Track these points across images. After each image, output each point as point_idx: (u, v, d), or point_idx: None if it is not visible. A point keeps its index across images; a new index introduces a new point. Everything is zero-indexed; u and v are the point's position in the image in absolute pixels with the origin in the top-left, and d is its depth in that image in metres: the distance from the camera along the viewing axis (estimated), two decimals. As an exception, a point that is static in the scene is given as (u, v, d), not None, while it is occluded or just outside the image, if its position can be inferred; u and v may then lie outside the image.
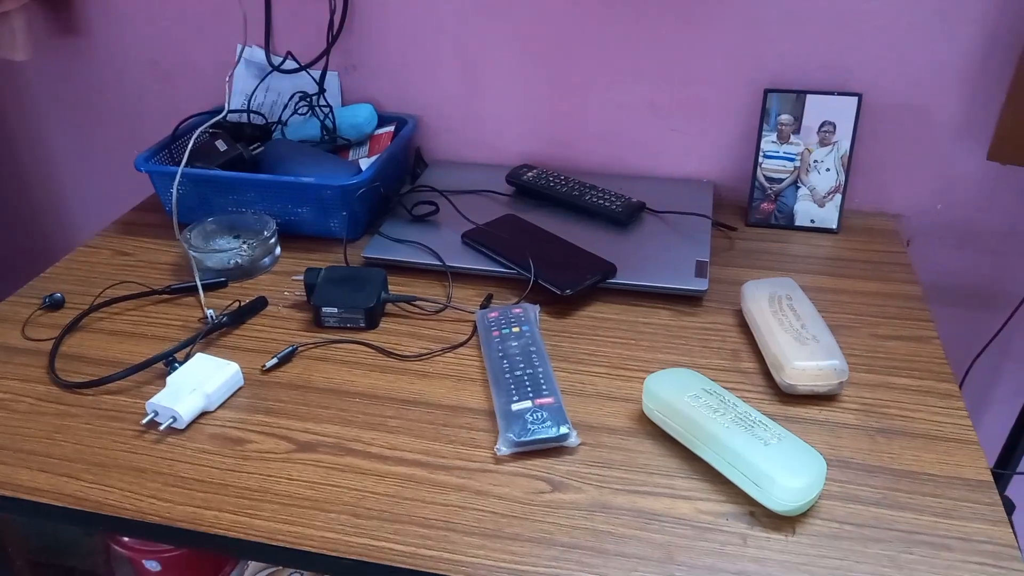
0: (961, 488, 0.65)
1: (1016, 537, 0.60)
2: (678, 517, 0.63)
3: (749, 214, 1.05)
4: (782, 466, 0.61)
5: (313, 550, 0.62)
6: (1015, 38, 0.92)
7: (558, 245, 0.96)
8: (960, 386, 0.97)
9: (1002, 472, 1.02)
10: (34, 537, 1.16)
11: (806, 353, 0.74)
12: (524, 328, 0.82)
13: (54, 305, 0.93)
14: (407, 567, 0.60)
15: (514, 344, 0.80)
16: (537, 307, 0.87)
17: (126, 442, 0.73)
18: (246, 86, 1.18)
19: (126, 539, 1.42)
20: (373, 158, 1.09)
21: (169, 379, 0.77)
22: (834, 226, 1.02)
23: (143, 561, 1.44)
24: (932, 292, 1.09)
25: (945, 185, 1.03)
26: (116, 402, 0.77)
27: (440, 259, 0.95)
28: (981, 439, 0.69)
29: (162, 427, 0.73)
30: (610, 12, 1.03)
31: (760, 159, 1.02)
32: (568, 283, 0.88)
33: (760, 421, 0.66)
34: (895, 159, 1.03)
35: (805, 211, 1.03)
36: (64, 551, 1.59)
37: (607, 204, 1.02)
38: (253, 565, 1.17)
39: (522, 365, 0.77)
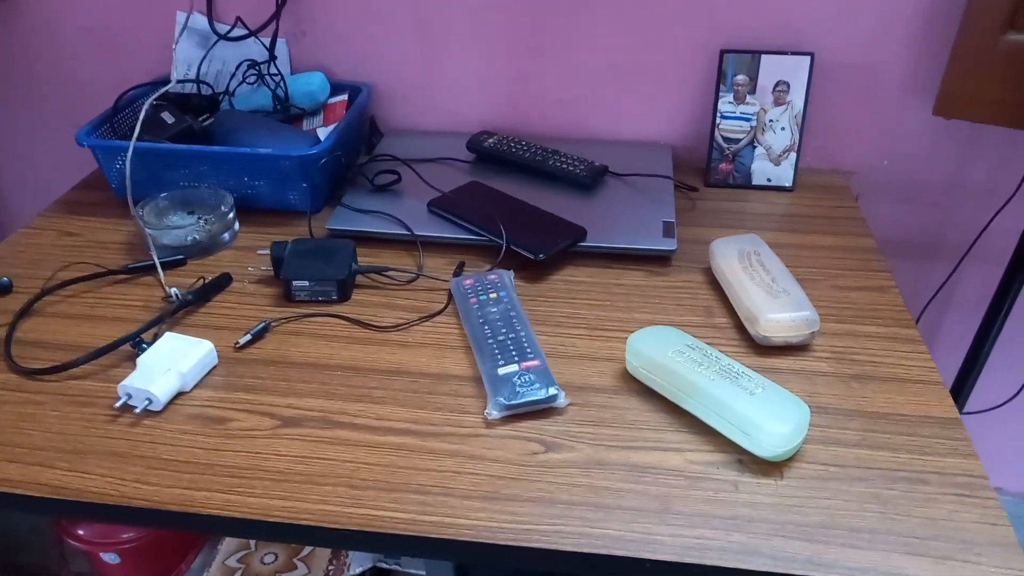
0: (932, 426, 0.68)
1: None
2: (670, 469, 0.65)
3: (708, 175, 1.07)
4: (769, 413, 0.64)
5: (313, 523, 0.61)
6: (957, -3, 0.96)
7: (526, 210, 0.96)
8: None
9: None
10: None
11: (778, 306, 0.77)
12: (501, 294, 0.82)
13: (2, 290, 0.88)
14: (410, 533, 0.60)
15: (493, 310, 0.80)
16: (511, 272, 0.87)
17: (100, 427, 0.70)
18: (189, 56, 1.13)
19: (81, 532, 1.38)
20: (330, 127, 1.06)
21: (139, 360, 0.74)
22: (789, 184, 1.05)
23: (100, 554, 1.39)
24: (880, 244, 1.13)
25: (892, 141, 1.07)
26: (83, 387, 0.74)
27: (408, 228, 0.94)
28: None
29: (137, 410, 0.71)
30: (567, -26, 1.03)
31: (718, 120, 1.04)
32: (541, 247, 0.88)
33: (743, 372, 0.68)
34: (845, 117, 1.07)
35: (762, 170, 1.05)
36: (15, 548, 1.53)
37: (570, 168, 1.03)
38: (223, 550, 1.15)
39: (504, 330, 0.77)
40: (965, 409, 1.08)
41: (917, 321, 1.11)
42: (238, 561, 1.11)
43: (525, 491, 0.63)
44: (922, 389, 0.72)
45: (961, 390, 1.06)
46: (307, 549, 1.10)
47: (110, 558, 1.38)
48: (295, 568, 1.07)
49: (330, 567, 1.07)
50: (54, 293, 0.87)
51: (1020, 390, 1.10)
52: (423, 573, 0.89)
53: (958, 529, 0.59)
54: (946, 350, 1.19)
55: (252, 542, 1.13)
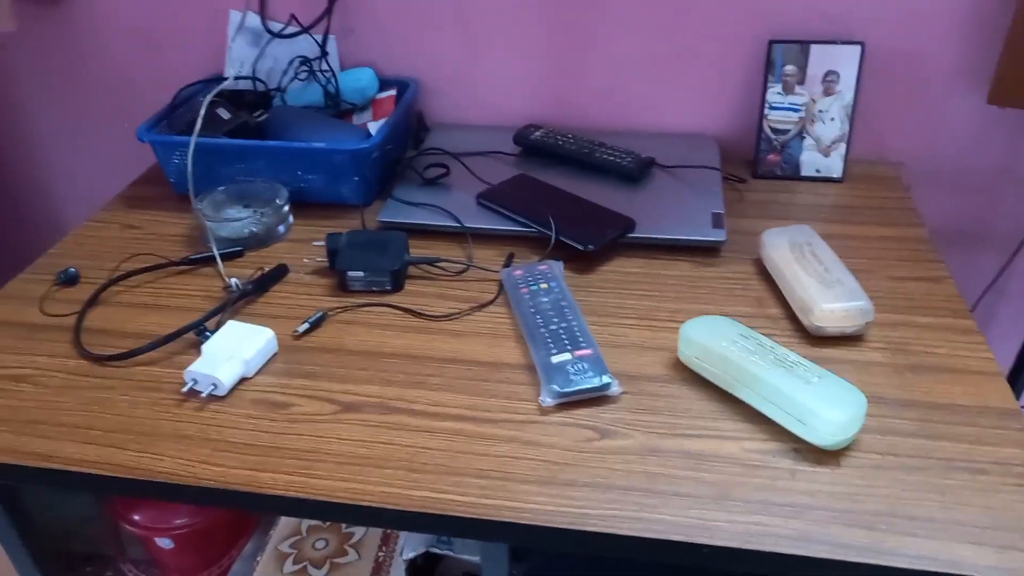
0: (991, 416, 0.68)
1: (1046, 458, 0.64)
2: (726, 456, 0.65)
3: (756, 166, 1.07)
4: (826, 401, 0.64)
5: (375, 504, 0.63)
6: (1012, -16, 0.95)
7: (574, 202, 0.96)
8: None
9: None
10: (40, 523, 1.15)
11: (833, 296, 0.77)
12: (552, 284, 0.83)
13: (69, 280, 0.91)
14: (471, 515, 0.61)
15: (544, 300, 0.81)
16: (561, 263, 0.88)
17: (168, 411, 0.72)
18: (241, 54, 1.16)
19: (136, 517, 1.42)
20: (380, 122, 1.08)
21: (204, 347, 0.76)
22: (839, 175, 1.05)
23: (155, 539, 1.44)
24: (932, 235, 1.12)
25: (944, 131, 1.06)
26: (150, 373, 0.77)
27: (458, 220, 0.95)
28: None
29: (203, 395, 0.73)
30: (614, -33, 1.03)
31: (766, 111, 1.04)
32: (590, 238, 0.89)
33: (799, 362, 0.68)
34: (895, 106, 1.06)
35: (811, 161, 1.05)
36: (69, 536, 1.58)
37: (617, 160, 1.03)
38: (276, 536, 1.18)
39: (556, 319, 0.78)
40: (1022, 401, 1.06)
41: (971, 312, 1.09)
42: (290, 547, 1.14)
43: (581, 476, 0.64)
44: (980, 379, 0.72)
45: (1016, 382, 1.04)
46: (358, 535, 1.12)
47: (164, 543, 1.42)
48: (346, 554, 1.09)
49: (380, 553, 1.09)
50: (119, 284, 0.90)
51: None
52: (477, 559, 0.90)
53: (1019, 518, 0.59)
54: (1000, 341, 1.17)
55: (304, 527, 1.16)
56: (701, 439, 0.67)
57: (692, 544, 0.59)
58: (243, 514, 1.42)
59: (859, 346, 0.77)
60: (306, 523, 1.16)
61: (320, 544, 1.13)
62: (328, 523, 1.16)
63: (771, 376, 0.66)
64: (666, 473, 0.64)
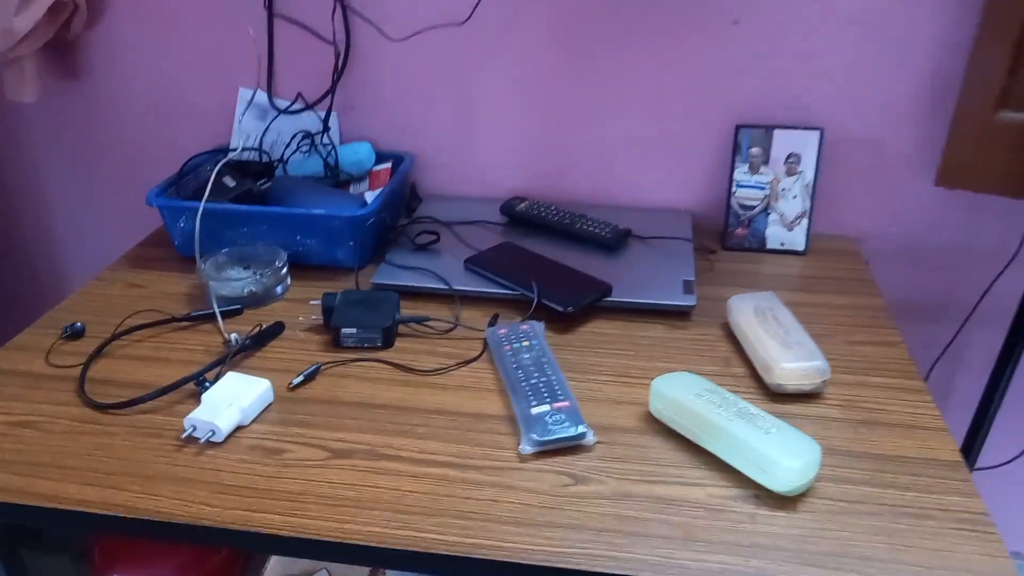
0: (937, 467, 0.73)
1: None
2: (693, 501, 0.70)
3: (725, 238, 1.14)
4: (783, 450, 0.69)
5: (362, 543, 0.67)
6: (956, 76, 1.05)
7: (556, 268, 1.03)
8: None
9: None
10: None
11: (792, 356, 0.83)
12: (533, 342, 0.89)
13: (75, 334, 0.96)
14: (454, 554, 0.65)
15: (526, 356, 0.87)
16: (542, 324, 0.94)
17: (167, 455, 0.77)
18: (248, 127, 1.24)
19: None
20: (376, 191, 1.16)
21: (204, 396, 0.81)
22: (802, 248, 1.12)
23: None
24: (889, 305, 1.19)
25: (899, 210, 1.15)
26: (151, 420, 0.81)
27: (446, 283, 1.02)
28: None
29: (201, 440, 0.78)
30: (593, 54, 1.13)
31: (734, 188, 1.12)
32: (569, 301, 0.95)
33: (759, 414, 0.74)
34: (854, 187, 1.15)
35: (775, 235, 1.13)
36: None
37: (596, 231, 1.11)
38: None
39: (536, 374, 0.84)
40: (976, 466, 1.11)
41: (926, 379, 1.16)
42: (274, 601, 1.15)
43: (557, 518, 0.69)
44: (928, 434, 0.77)
45: (971, 448, 1.10)
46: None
47: (145, 601, 1.41)
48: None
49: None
50: (123, 338, 0.95)
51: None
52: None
53: (962, 560, 0.64)
54: (956, 410, 1.23)
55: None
56: (669, 485, 0.72)
57: (659, 581, 0.63)
58: (227, 571, 1.43)
59: (816, 403, 0.82)
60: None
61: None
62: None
63: (733, 427, 0.72)
64: (637, 516, 0.69)
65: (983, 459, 1.11)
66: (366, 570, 1.19)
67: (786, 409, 0.81)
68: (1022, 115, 0.97)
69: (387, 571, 1.23)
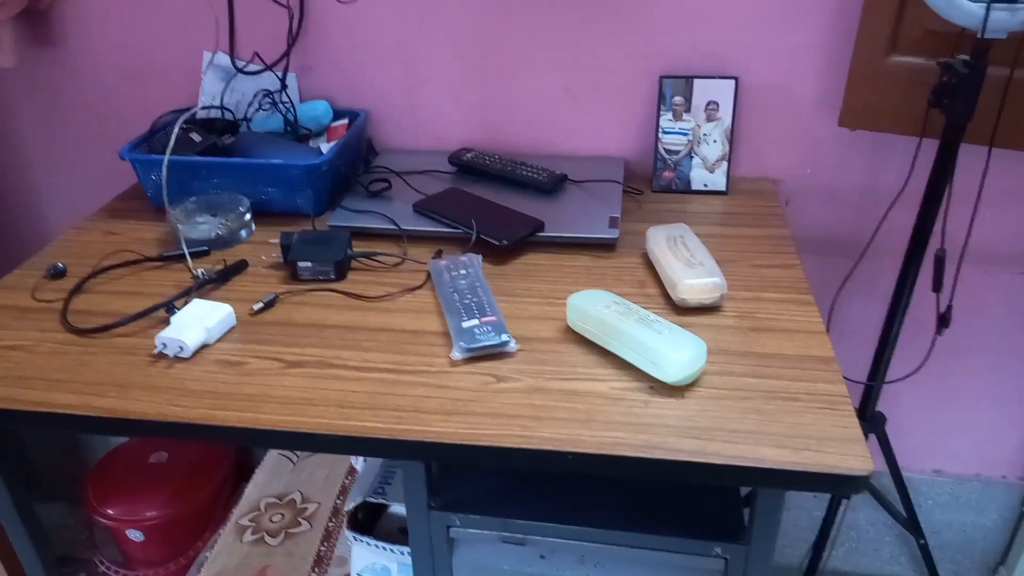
0: (811, 362, 0.85)
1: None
2: (596, 393, 0.81)
3: (653, 182, 1.25)
4: (672, 345, 0.80)
5: (309, 431, 0.77)
6: (854, 24, 1.14)
7: (495, 208, 1.13)
8: (828, 319, 1.18)
9: (871, 384, 1.23)
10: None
11: (694, 274, 0.94)
12: (470, 270, 1.00)
13: (57, 274, 1.06)
14: (387, 437, 0.76)
15: (463, 282, 0.97)
16: (479, 256, 1.04)
17: (141, 368, 0.87)
18: (212, 88, 1.33)
19: (110, 511, 1.54)
20: (332, 143, 1.25)
21: (173, 319, 0.91)
22: (723, 188, 1.23)
23: (126, 531, 1.55)
24: (806, 243, 1.31)
25: (809, 151, 1.25)
26: (127, 342, 0.92)
27: (395, 224, 1.12)
28: (851, 363, 0.88)
29: (171, 356, 0.88)
30: (531, 14, 1.22)
31: (660, 135, 1.23)
32: (505, 235, 1.06)
33: (656, 319, 0.85)
34: (769, 131, 1.25)
35: (699, 177, 1.23)
36: (49, 535, 1.69)
37: (535, 176, 1.21)
38: (236, 511, 1.30)
39: (469, 295, 0.94)
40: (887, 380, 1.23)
41: (831, 306, 1.27)
42: (249, 520, 1.26)
43: (480, 408, 0.80)
44: (808, 337, 0.89)
45: (879, 362, 1.21)
46: (311, 508, 1.25)
47: (135, 535, 1.53)
48: (299, 525, 1.22)
49: (330, 524, 1.22)
50: (100, 276, 1.05)
51: (925, 359, 1.24)
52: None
53: (818, 430, 0.75)
54: (860, 331, 1.35)
55: (262, 504, 1.28)
56: (577, 381, 0.83)
57: (559, 452, 0.74)
58: (211, 506, 1.54)
59: (716, 315, 0.93)
60: (264, 499, 1.29)
61: (276, 517, 1.26)
62: (284, 499, 1.29)
63: (631, 329, 0.83)
64: (547, 405, 0.80)
65: (892, 374, 1.23)
66: (336, 485, 1.29)
67: (688, 320, 0.92)
68: (911, 59, 1.08)
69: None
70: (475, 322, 0.89)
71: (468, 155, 1.27)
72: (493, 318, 0.90)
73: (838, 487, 0.72)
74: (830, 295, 1.28)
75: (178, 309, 0.94)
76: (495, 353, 0.87)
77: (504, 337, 0.87)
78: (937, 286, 1.10)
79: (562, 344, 0.89)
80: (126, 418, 0.81)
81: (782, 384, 0.82)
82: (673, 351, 0.80)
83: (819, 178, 1.27)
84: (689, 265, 0.95)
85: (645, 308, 0.88)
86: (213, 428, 0.79)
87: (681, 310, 0.94)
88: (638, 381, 0.83)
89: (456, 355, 0.87)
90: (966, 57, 0.97)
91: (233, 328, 0.94)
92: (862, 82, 1.11)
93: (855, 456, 0.72)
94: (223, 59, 1.32)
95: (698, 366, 0.81)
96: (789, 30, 1.17)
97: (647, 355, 0.81)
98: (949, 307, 1.13)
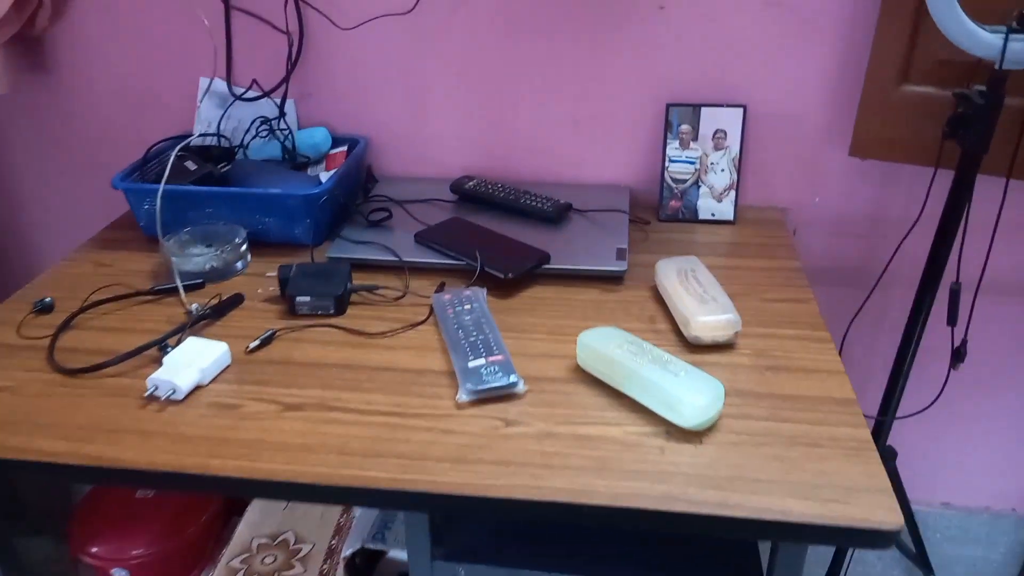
0: (831, 405, 0.81)
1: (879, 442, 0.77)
2: (609, 439, 0.78)
3: (659, 211, 1.22)
4: (689, 389, 0.77)
5: (309, 482, 0.74)
6: (863, 52, 1.13)
7: (499, 239, 1.10)
8: (840, 352, 1.15)
9: (882, 420, 1.20)
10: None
11: (707, 310, 0.90)
12: (475, 305, 0.96)
13: (44, 309, 1.02)
14: (391, 488, 0.73)
15: (467, 317, 0.94)
16: (484, 290, 1.01)
17: (132, 412, 0.83)
18: (209, 115, 1.30)
19: (94, 549, 1.48)
20: (331, 172, 1.22)
21: (165, 359, 0.87)
22: (731, 217, 1.20)
23: (111, 571, 1.50)
24: (814, 273, 1.28)
25: (818, 180, 1.23)
26: (117, 383, 0.88)
27: (396, 255, 1.09)
28: (861, 396, 0.85)
29: (163, 398, 0.84)
30: (533, 41, 1.20)
31: (666, 163, 1.20)
32: (510, 268, 1.03)
33: (671, 360, 0.81)
34: (777, 160, 1.23)
35: (706, 206, 1.21)
36: (37, 570, 1.63)
37: (539, 206, 1.18)
38: (227, 553, 1.26)
39: (475, 333, 0.91)
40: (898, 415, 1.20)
41: (843, 337, 1.24)
42: (240, 562, 1.22)
43: (488, 456, 0.76)
44: (826, 377, 0.86)
45: (891, 397, 1.18)
46: (304, 550, 1.20)
47: (120, 574, 1.48)
48: (293, 568, 1.18)
49: (324, 567, 1.17)
50: (90, 311, 1.01)
51: (939, 395, 1.22)
52: (404, 556, 1.00)
53: (844, 479, 0.72)
54: (874, 364, 1.32)
55: (254, 545, 1.24)
56: (590, 426, 0.80)
57: (574, 504, 0.71)
58: (200, 543, 1.49)
59: (730, 353, 0.90)
60: (256, 540, 1.25)
61: (268, 559, 1.21)
62: (277, 539, 1.25)
63: (646, 371, 0.79)
64: (558, 452, 0.76)
65: (903, 408, 1.20)
66: (331, 525, 1.25)
67: (701, 359, 0.89)
68: (923, 88, 1.06)
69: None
70: (482, 361, 0.86)
71: (470, 183, 1.24)
72: (500, 357, 0.87)
73: (867, 542, 0.68)
74: (839, 326, 1.25)
75: (171, 348, 0.90)
76: (503, 395, 0.84)
77: (512, 378, 0.84)
78: (952, 319, 1.08)
79: (572, 384, 0.86)
80: (116, 467, 0.76)
81: (803, 428, 0.78)
82: (690, 395, 0.76)
83: (827, 207, 1.25)
84: (702, 301, 0.92)
85: (658, 347, 0.85)
86: (207, 479, 0.75)
87: (694, 347, 0.91)
88: (653, 425, 0.79)
89: (462, 397, 0.83)
90: (982, 88, 0.95)
91: (228, 367, 0.90)
92: (873, 112, 1.09)
93: (884, 508, 0.69)
94: (220, 85, 1.29)
95: (716, 410, 0.78)
96: (797, 58, 1.15)
97: (663, 399, 0.78)
98: (964, 341, 1.11)
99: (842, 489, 0.71)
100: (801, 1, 1.11)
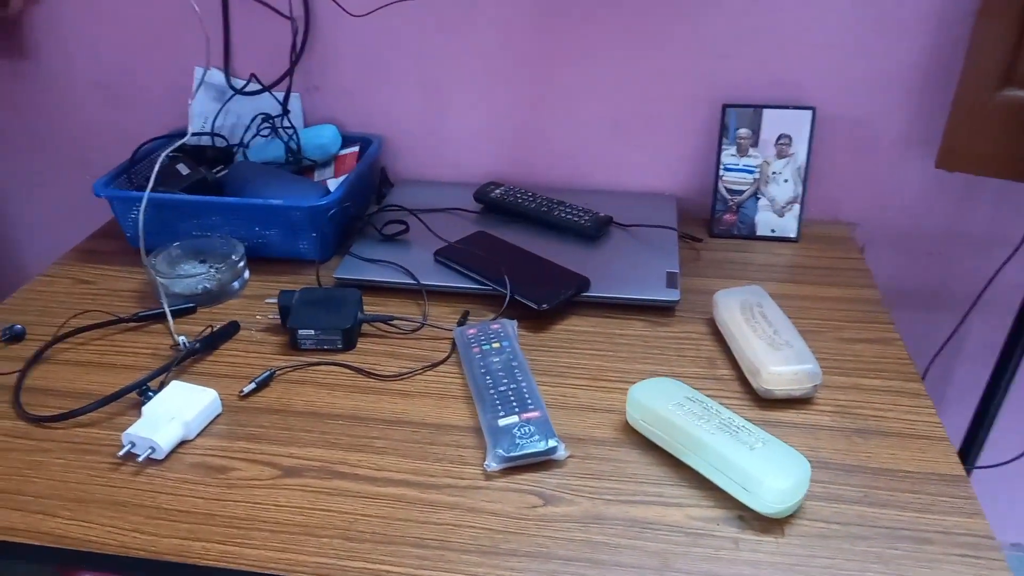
0: (936, 483, 0.68)
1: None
2: (670, 524, 0.64)
3: (712, 225, 1.08)
4: (769, 469, 0.63)
5: (308, 575, 0.61)
6: (954, 52, 0.97)
7: (531, 260, 0.97)
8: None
9: (966, 468, 1.06)
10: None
11: (781, 358, 0.77)
12: (504, 343, 0.83)
13: (14, 338, 0.89)
14: (406, 588, 0.60)
15: (496, 360, 0.81)
16: (515, 322, 0.87)
17: (103, 475, 0.70)
18: (204, 109, 1.17)
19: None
20: (340, 178, 1.09)
21: (144, 409, 0.75)
22: (794, 235, 1.06)
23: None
24: (885, 295, 1.14)
25: (894, 193, 1.08)
26: (89, 435, 0.75)
27: (414, 277, 0.95)
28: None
29: (140, 459, 0.71)
30: (570, 31, 1.05)
31: (721, 172, 1.05)
32: (544, 298, 0.89)
33: (743, 426, 0.68)
34: (847, 169, 1.08)
35: (766, 221, 1.06)
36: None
37: (576, 219, 1.04)
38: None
39: (505, 380, 0.78)
40: (977, 463, 1.06)
41: (924, 374, 1.10)
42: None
43: (523, 546, 0.63)
44: (927, 445, 0.72)
45: (972, 445, 1.04)
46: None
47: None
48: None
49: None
50: (65, 340, 0.89)
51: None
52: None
53: (962, 590, 0.58)
54: (956, 404, 1.18)
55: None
56: (646, 506, 0.66)
57: (631, 618, 0.57)
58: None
59: (807, 409, 0.76)
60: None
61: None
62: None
63: (715, 441, 0.66)
64: (608, 542, 0.63)
65: (984, 457, 1.06)
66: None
67: (774, 416, 0.76)
68: (1029, 93, 0.90)
69: None
70: (514, 419, 0.73)
71: (496, 191, 1.10)
72: (536, 413, 0.73)
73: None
74: (914, 358, 1.11)
75: (153, 392, 0.77)
76: (540, 461, 0.71)
77: (552, 443, 0.70)
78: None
79: (622, 448, 0.72)
80: (80, 550, 0.64)
81: (906, 517, 0.65)
82: (772, 477, 0.63)
83: (900, 223, 1.10)
84: (774, 347, 0.78)
85: (725, 405, 0.71)
86: (187, 568, 0.62)
87: (764, 402, 0.77)
88: (722, 507, 0.66)
89: (491, 465, 0.70)
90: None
91: (218, 417, 0.77)
92: (967, 119, 0.94)
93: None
94: (217, 77, 1.15)
95: (802, 495, 0.64)
96: (875, 54, 1.00)
97: (737, 478, 0.64)
98: (1064, 382, 0.96)
99: (963, 604, 0.57)
100: (885, -13, 0.96)
